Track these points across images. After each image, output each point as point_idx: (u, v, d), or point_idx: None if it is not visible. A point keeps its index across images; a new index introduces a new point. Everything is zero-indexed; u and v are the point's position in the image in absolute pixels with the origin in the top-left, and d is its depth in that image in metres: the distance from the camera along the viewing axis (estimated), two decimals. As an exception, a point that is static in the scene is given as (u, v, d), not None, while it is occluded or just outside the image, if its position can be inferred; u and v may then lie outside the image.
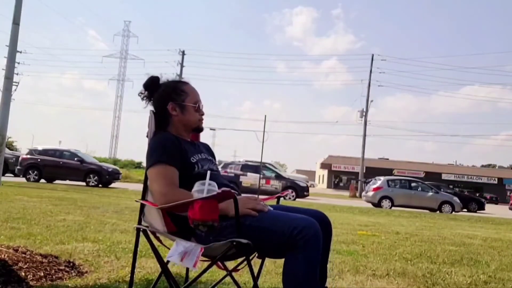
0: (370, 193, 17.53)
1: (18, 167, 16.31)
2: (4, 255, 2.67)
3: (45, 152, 16.57)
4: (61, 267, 2.74)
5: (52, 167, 16.13)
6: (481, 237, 6.71)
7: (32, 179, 15.76)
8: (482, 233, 7.65)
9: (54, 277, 2.54)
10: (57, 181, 16.44)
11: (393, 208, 16.40)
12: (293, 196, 16.95)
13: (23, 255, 2.82)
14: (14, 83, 18.99)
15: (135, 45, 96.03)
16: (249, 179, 16.65)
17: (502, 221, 12.24)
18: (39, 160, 16.16)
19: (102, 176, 16.14)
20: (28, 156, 16.38)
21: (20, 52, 29.46)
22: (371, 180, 19.86)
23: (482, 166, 62.40)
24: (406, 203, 16.97)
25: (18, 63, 26.06)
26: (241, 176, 16.94)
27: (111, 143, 56.19)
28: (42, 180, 16.13)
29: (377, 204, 16.92)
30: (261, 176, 16.84)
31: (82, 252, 3.30)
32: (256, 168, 17.39)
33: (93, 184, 15.81)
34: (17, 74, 26.84)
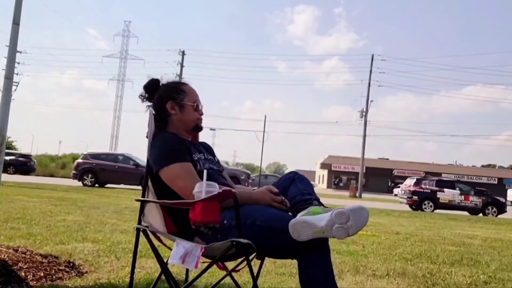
0: None
1: (74, 171, 16.33)
2: (4, 255, 2.67)
3: (98, 156, 16.56)
4: (61, 267, 2.74)
5: (107, 171, 16.09)
6: (481, 237, 6.71)
7: (88, 184, 15.77)
8: (482, 233, 7.64)
9: (54, 277, 2.54)
10: (110, 185, 16.33)
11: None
12: (494, 212, 16.93)
13: (23, 255, 2.82)
14: (14, 83, 19.04)
15: (135, 45, 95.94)
16: (447, 195, 16.87)
17: (502, 221, 12.24)
18: (94, 164, 16.12)
19: None
20: (83, 160, 16.35)
21: (20, 52, 29.51)
22: None
23: (482, 166, 62.41)
24: None
25: (18, 63, 26.12)
26: (438, 192, 17.07)
27: (111, 143, 55.98)
28: (96, 185, 16.02)
29: None
30: (459, 192, 17.05)
31: (82, 252, 3.30)
32: (451, 183, 17.68)
33: None
34: (17, 74, 26.93)
